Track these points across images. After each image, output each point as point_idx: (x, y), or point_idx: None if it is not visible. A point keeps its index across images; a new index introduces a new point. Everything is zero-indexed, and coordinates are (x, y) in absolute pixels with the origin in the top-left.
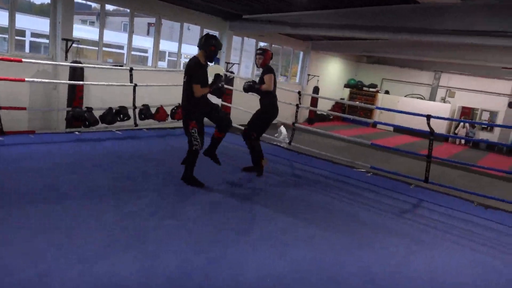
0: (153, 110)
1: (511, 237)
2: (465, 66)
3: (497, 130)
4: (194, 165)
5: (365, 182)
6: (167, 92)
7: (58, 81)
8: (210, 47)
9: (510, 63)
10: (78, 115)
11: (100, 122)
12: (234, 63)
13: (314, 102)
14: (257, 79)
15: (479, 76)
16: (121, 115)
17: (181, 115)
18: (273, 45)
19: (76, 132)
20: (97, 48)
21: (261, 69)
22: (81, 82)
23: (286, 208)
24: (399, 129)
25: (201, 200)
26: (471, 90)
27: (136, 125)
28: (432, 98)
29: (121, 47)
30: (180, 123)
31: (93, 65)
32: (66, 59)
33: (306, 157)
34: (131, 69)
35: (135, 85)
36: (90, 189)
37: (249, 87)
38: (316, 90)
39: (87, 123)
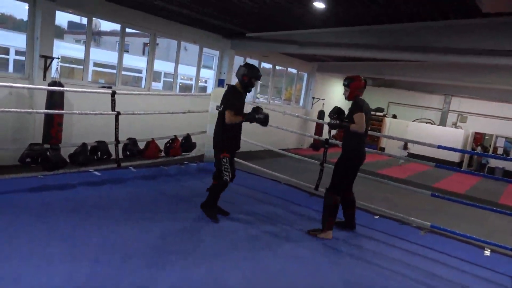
0: (142, 145)
1: None
2: (478, 90)
3: None
4: (219, 197)
5: (425, 247)
6: (161, 121)
7: (23, 110)
8: (242, 76)
9: None
10: (36, 154)
11: (68, 163)
12: None
13: (319, 127)
14: (257, 101)
15: (492, 100)
16: (99, 153)
17: (178, 151)
18: (277, 66)
19: (40, 176)
20: (90, 68)
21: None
22: (49, 111)
23: None
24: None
25: None
26: (484, 115)
27: (118, 165)
28: (442, 123)
29: (114, 67)
30: (175, 159)
31: (70, 89)
32: (44, 78)
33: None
34: (113, 93)
35: (118, 114)
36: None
37: (335, 125)
38: (321, 114)
39: (49, 165)
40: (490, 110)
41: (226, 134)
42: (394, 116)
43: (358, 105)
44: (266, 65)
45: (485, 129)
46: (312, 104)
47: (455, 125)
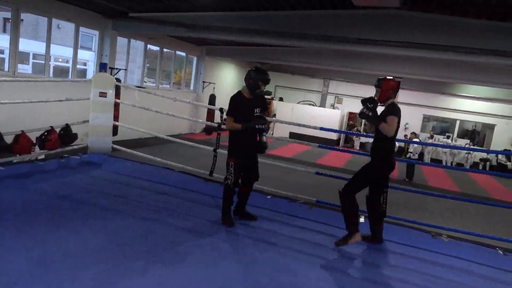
0: (10, 140)
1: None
2: (351, 74)
3: None
4: (230, 201)
5: (312, 220)
6: (34, 110)
7: None
8: (249, 79)
9: (391, 72)
10: None
11: None
12: (119, 69)
13: (210, 111)
14: (145, 85)
15: (362, 84)
16: None
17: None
18: (164, 49)
19: None
20: None
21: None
22: None
23: None
24: (293, 137)
25: None
26: (356, 97)
27: None
28: (322, 104)
29: None
30: (53, 153)
31: None
32: None
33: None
34: None
35: None
36: None
37: (366, 116)
38: (212, 98)
39: None
40: (361, 92)
41: (234, 139)
42: (281, 99)
43: (395, 109)
44: (153, 47)
45: (357, 109)
46: (203, 88)
47: (333, 106)
